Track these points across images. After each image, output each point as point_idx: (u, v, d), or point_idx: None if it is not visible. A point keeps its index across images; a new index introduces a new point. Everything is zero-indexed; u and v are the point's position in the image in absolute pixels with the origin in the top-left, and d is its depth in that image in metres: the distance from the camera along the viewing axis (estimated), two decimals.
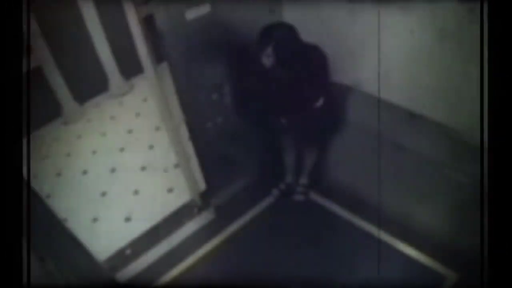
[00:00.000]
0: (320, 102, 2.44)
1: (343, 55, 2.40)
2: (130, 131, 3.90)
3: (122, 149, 3.70)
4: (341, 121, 2.70)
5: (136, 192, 3.24)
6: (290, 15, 2.51)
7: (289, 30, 2.21)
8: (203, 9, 2.24)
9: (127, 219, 3.03)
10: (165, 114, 2.51)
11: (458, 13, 1.78)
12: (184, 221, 2.92)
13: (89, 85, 4.20)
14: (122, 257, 2.75)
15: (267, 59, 2.20)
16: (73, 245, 2.01)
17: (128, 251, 2.78)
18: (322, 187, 2.98)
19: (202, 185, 2.98)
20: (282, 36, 2.19)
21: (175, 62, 2.30)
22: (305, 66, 2.28)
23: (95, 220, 3.07)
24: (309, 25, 2.34)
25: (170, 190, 3.18)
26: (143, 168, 3.45)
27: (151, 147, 3.65)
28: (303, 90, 2.36)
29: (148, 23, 2.14)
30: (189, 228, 2.88)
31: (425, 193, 2.43)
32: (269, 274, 2.50)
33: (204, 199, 2.99)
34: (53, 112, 4.04)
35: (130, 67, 4.24)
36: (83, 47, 3.96)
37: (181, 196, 3.08)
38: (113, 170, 3.49)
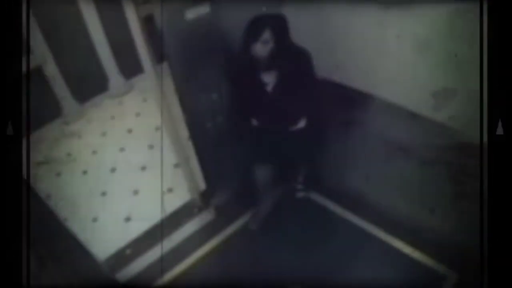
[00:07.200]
0: (301, 124, 2.19)
1: (343, 55, 2.39)
2: (130, 131, 3.90)
3: (122, 149, 3.70)
4: (323, 150, 2.49)
5: (136, 192, 3.24)
6: (290, 17, 2.50)
7: (283, 17, 1.98)
8: (203, 9, 2.24)
9: (127, 219, 3.03)
10: (165, 114, 2.51)
11: (458, 13, 1.78)
12: (184, 221, 2.92)
13: (89, 85, 4.20)
14: (122, 257, 2.75)
15: (263, 48, 1.92)
16: (73, 245, 2.01)
17: (128, 251, 2.78)
18: (323, 188, 2.98)
19: (202, 185, 2.98)
20: (278, 20, 1.96)
21: (175, 62, 2.30)
22: (297, 65, 2.05)
23: (95, 220, 3.06)
24: (309, 27, 2.34)
25: (170, 190, 3.18)
26: (143, 168, 3.45)
27: (151, 147, 3.65)
28: (288, 98, 2.08)
29: (148, 23, 2.14)
30: (189, 228, 2.88)
31: (425, 193, 2.43)
32: (269, 274, 2.50)
33: (204, 199, 2.99)
34: (53, 112, 4.04)
35: (130, 67, 4.24)
36: (83, 47, 3.96)
37: (181, 196, 3.09)
38: (113, 170, 3.49)
